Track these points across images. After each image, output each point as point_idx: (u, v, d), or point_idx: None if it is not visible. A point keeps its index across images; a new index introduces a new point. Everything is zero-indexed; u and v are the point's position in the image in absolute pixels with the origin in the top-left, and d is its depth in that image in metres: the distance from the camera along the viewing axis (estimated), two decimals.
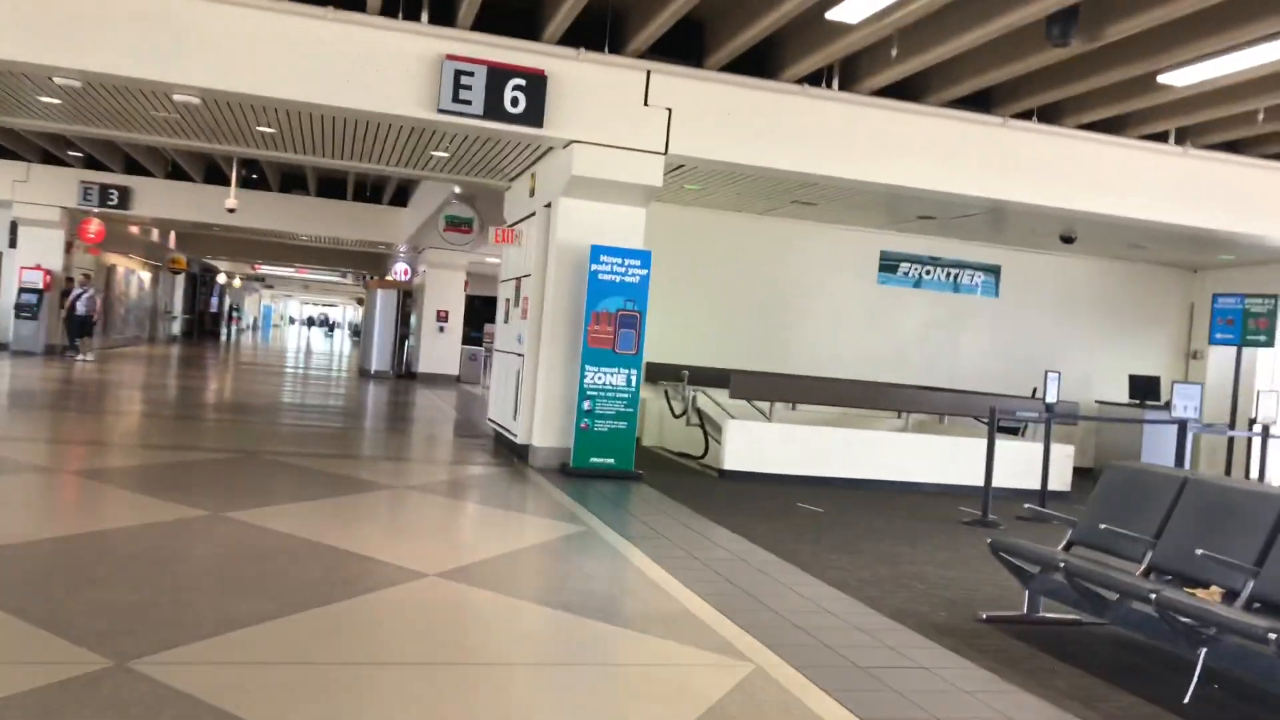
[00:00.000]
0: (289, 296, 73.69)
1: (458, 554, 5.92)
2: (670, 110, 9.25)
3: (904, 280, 13.76)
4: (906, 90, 9.70)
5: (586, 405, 9.39)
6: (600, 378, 9.40)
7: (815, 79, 9.51)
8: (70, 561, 4.94)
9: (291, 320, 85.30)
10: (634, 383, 9.51)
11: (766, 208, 12.50)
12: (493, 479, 9.12)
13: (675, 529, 7.07)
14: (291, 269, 38.88)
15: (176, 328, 35.21)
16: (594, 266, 9.33)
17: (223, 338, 41.41)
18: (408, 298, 23.99)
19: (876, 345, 13.59)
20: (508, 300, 11.17)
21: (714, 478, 10.08)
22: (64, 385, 14.56)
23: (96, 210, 20.74)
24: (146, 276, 30.31)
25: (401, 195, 21.90)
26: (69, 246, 21.42)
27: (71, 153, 19.30)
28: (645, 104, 9.20)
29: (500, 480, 9.08)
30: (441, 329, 22.97)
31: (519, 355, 10.23)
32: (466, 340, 24.48)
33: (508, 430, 10.55)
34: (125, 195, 20.72)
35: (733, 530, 7.17)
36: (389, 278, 26.73)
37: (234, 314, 51.44)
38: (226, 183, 19.03)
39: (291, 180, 21.56)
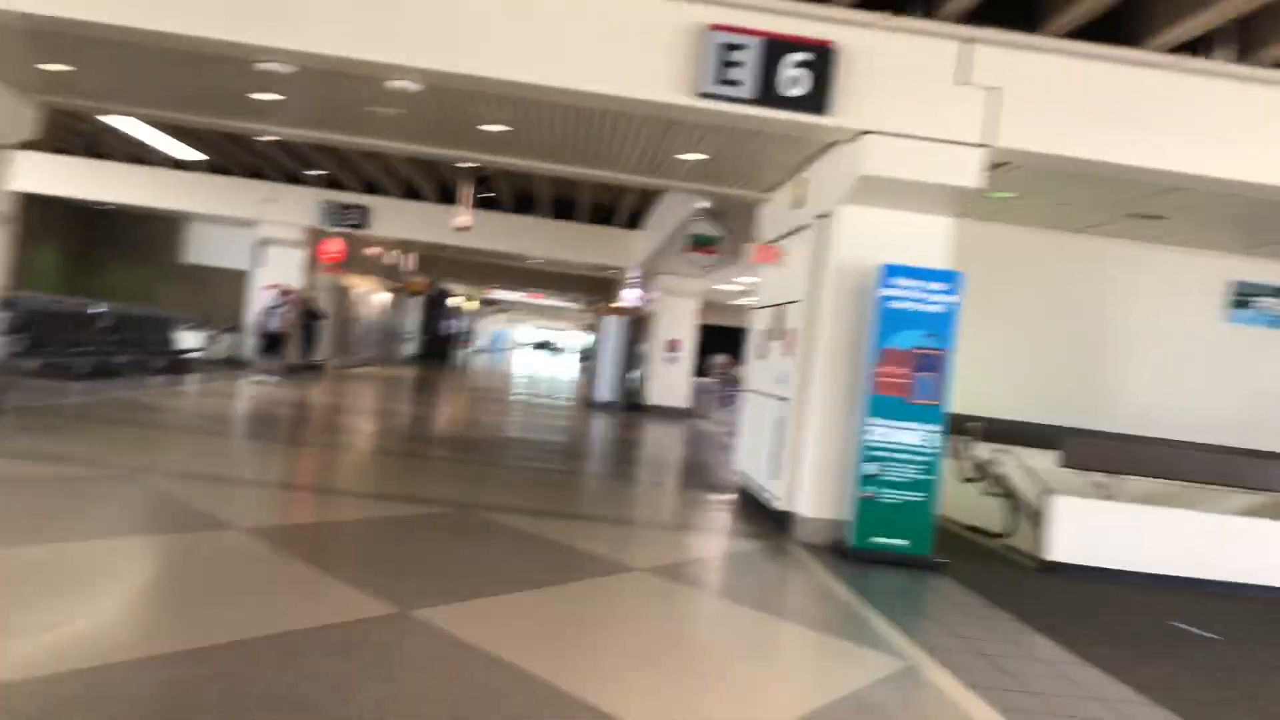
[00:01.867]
0: (520, 321, 75.29)
1: (740, 711, 4.03)
2: (994, 91, 7.09)
3: (1262, 318, 10.79)
4: None
5: (871, 469, 7.32)
6: (890, 434, 7.32)
7: (1196, 47, 7.08)
8: (167, 698, 3.42)
9: (522, 344, 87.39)
10: (934, 443, 7.36)
11: (1089, 224, 10.00)
12: (752, 561, 7.21)
13: (1029, 669, 4.89)
14: (523, 294, 38.85)
15: (411, 349, 35.74)
16: (884, 291, 7.28)
17: (454, 361, 41.96)
18: (637, 326, 22.66)
19: (1223, 400, 10.70)
20: (765, 332, 9.29)
21: (1032, 569, 7.74)
22: (273, 409, 13.91)
23: (335, 229, 20.65)
24: (385, 298, 30.67)
25: (635, 218, 20.60)
26: (310, 265, 21.46)
27: (312, 171, 19.19)
28: (960, 83, 7.09)
29: (762, 563, 7.15)
30: (672, 359, 21.45)
31: (781, 399, 8.31)
32: (698, 372, 22.90)
33: (763, 490, 8.63)
34: (363, 214, 20.50)
35: (1110, 673, 4.91)
36: (618, 304, 25.56)
37: (467, 337, 52.56)
38: (460, 202, 18.27)
39: (524, 201, 20.72)
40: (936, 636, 5.35)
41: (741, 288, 23.92)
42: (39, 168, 19.94)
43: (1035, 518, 9.09)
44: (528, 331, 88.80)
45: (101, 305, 19.37)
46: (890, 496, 7.33)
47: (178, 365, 17.94)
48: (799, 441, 7.94)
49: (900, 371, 7.30)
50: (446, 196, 20.23)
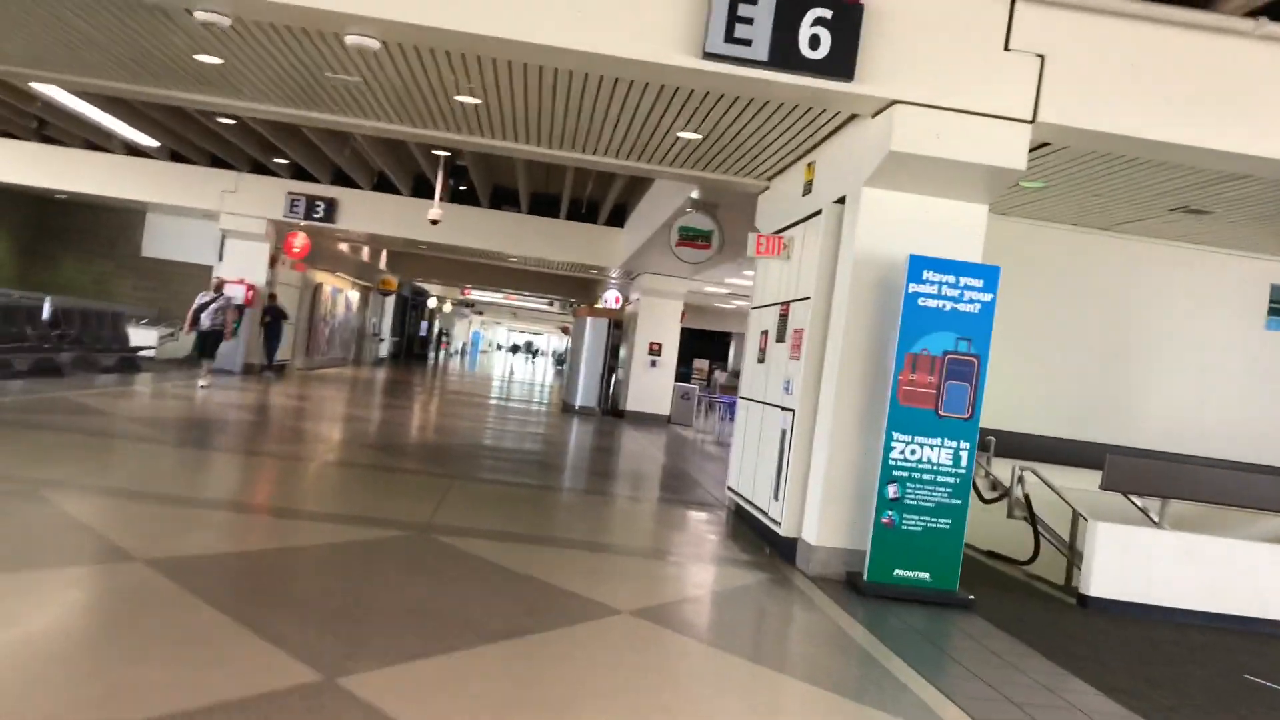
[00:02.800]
0: (497, 323, 74.16)
1: None
2: (1043, 58, 6.15)
3: None
4: None
5: (892, 491, 6.36)
6: (915, 451, 6.36)
7: (1276, 11, 6.18)
8: None
9: (499, 347, 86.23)
10: (965, 462, 6.41)
11: (1122, 220, 9.10)
12: (754, 598, 6.21)
13: None
14: (500, 294, 37.78)
15: (384, 350, 34.57)
16: (913, 287, 6.33)
17: (429, 362, 40.77)
18: (618, 328, 21.69)
19: (1261, 412, 9.83)
20: (765, 333, 8.32)
21: (1072, 606, 6.79)
22: (223, 414, 12.82)
23: (303, 223, 19.55)
24: (355, 296, 29.53)
25: (618, 215, 19.63)
26: (273, 261, 20.34)
27: (278, 160, 18.09)
28: (1006, 47, 6.15)
29: (765, 601, 6.16)
30: (654, 363, 20.49)
31: (784, 410, 7.34)
32: (678, 377, 21.98)
33: (762, 513, 7.64)
34: (331, 207, 19.41)
35: None
36: (597, 305, 24.58)
37: (443, 338, 51.38)
38: (433, 195, 17.24)
39: (502, 196, 19.70)
40: (970, 690, 4.39)
41: (728, 289, 23.00)
42: None
43: (1066, 545, 8.18)
44: (505, 334, 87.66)
45: (44, 299, 18.21)
46: (913, 523, 6.37)
47: (129, 364, 16.79)
48: (806, 458, 6.97)
49: (928, 380, 6.34)
50: (420, 190, 19.19)
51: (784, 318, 7.73)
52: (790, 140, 7.74)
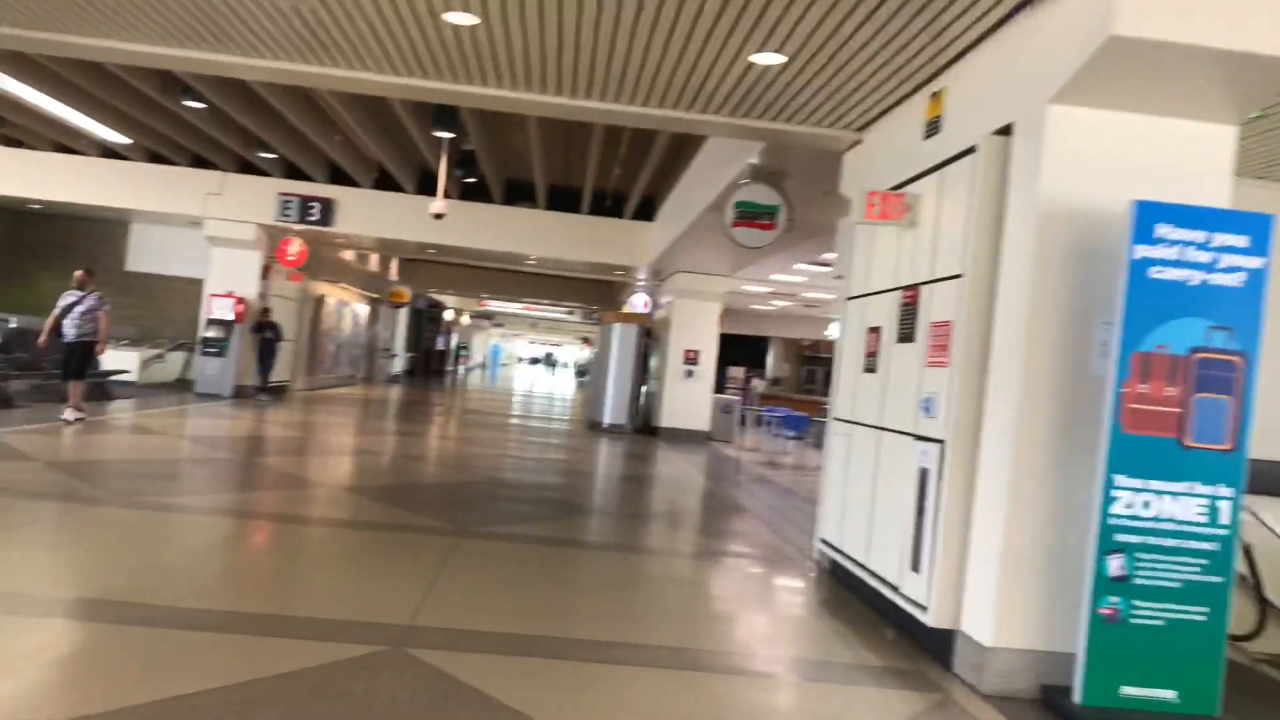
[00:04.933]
0: (517, 335, 72.23)
1: None
2: None
3: None
4: None
5: (1115, 566, 4.13)
6: (1149, 503, 4.13)
7: None
8: None
9: (520, 359, 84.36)
10: (1226, 518, 4.18)
11: None
12: None
13: None
14: (518, 304, 35.76)
15: (397, 366, 32.53)
16: (1141, 251, 4.11)
17: (446, 379, 38.71)
18: (648, 335, 19.52)
19: None
20: (874, 331, 6.09)
21: None
22: (190, 447, 10.73)
23: (297, 227, 17.51)
24: (363, 309, 27.50)
25: (646, 210, 17.48)
26: (265, 270, 18.31)
27: (265, 154, 16.06)
28: None
29: None
30: (690, 373, 18.28)
31: (922, 440, 5.11)
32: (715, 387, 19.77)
33: (888, 585, 5.41)
34: (328, 208, 17.38)
35: None
36: (625, 310, 22.43)
37: (461, 353, 49.36)
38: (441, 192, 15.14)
39: (517, 191, 17.60)
40: None
41: (769, 288, 20.79)
42: None
43: None
44: (524, 346, 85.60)
45: (9, 319, 16.25)
46: (1148, 614, 4.14)
47: (100, 391, 14.76)
48: (966, 512, 4.75)
49: (1167, 392, 4.12)
50: (426, 187, 17.12)
51: (909, 308, 5.50)
52: (918, 51, 5.52)
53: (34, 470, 7.84)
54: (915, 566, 5.02)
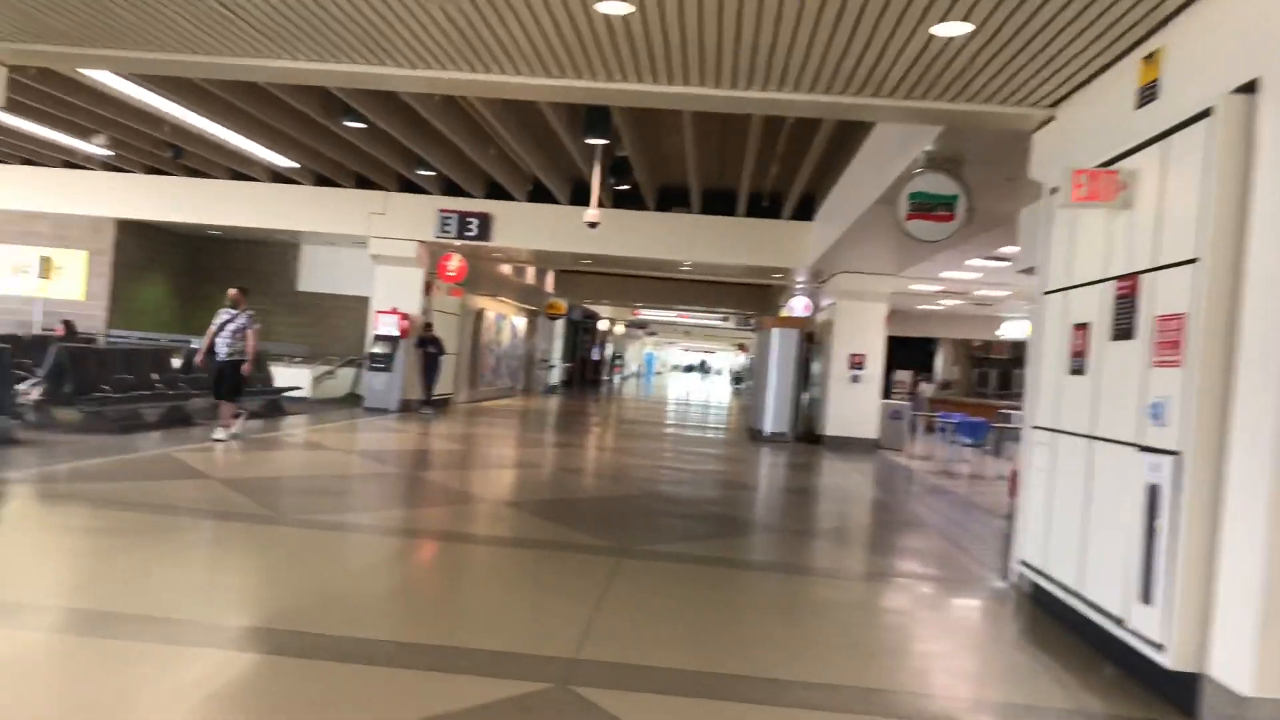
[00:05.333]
0: (670, 343, 72.31)
1: None
2: None
3: None
4: None
5: None
6: None
7: None
8: None
9: (673, 367, 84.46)
10: None
11: None
12: None
13: None
14: (672, 312, 35.59)
15: (555, 377, 32.85)
16: None
17: (602, 389, 38.90)
18: (809, 340, 18.85)
19: None
20: (1081, 328, 5.39)
21: None
22: (354, 463, 10.83)
23: (456, 242, 17.75)
24: (521, 322, 27.84)
25: (805, 208, 16.86)
26: (427, 286, 18.65)
27: (425, 172, 16.31)
28: None
29: None
30: (856, 378, 17.51)
31: (1151, 452, 4.41)
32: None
33: (1109, 616, 4.71)
34: (485, 223, 17.53)
35: None
36: (784, 314, 21.79)
37: (616, 362, 49.67)
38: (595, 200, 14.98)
39: (670, 196, 17.30)
40: None
41: (939, 286, 19.77)
42: (131, 190, 17.95)
43: None
44: (677, 354, 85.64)
45: (189, 342, 17.05)
46: None
47: (274, 407, 15.29)
48: (1209, 535, 4.05)
49: None
50: (579, 197, 17.02)
51: (1127, 300, 4.80)
52: (1130, 8, 4.83)
53: (206, 487, 7.98)
54: (1146, 598, 4.34)
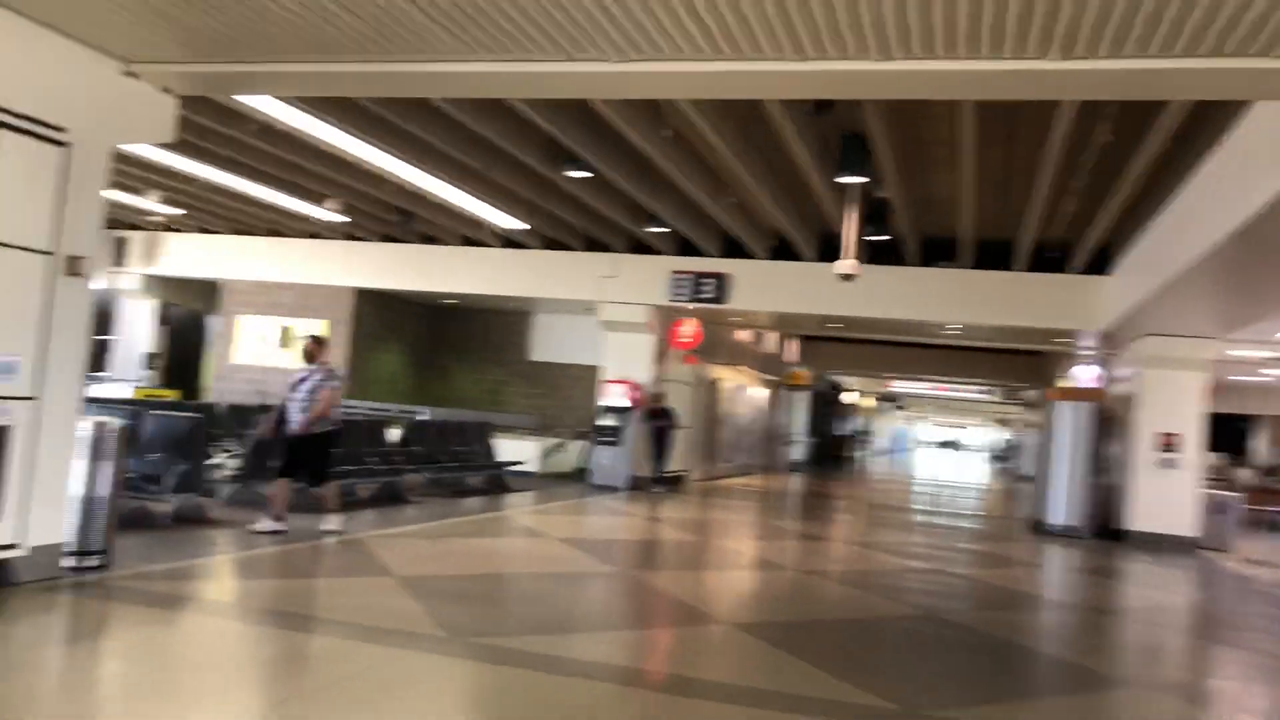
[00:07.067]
0: (920, 418, 68.02)
1: None
2: None
3: None
4: None
5: None
6: None
7: None
8: None
9: (924, 443, 79.56)
10: None
11: None
12: None
13: None
14: (926, 384, 32.65)
15: (797, 453, 30.62)
16: None
17: (850, 466, 36.17)
18: (1104, 416, 15.81)
19: None
20: None
21: None
22: (564, 553, 9.26)
23: (690, 305, 16.26)
24: (761, 393, 25.98)
25: (1099, 262, 14.12)
26: (660, 355, 17.23)
27: (656, 229, 14.95)
28: None
29: None
30: (1168, 462, 14.36)
31: None
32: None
33: None
34: (722, 284, 15.93)
35: None
36: (1073, 385, 18.77)
37: (863, 437, 46.65)
38: (844, 250, 13.01)
39: (935, 250, 15.04)
40: None
41: (1270, 352, 16.18)
42: (368, 259, 17.77)
43: None
44: (929, 429, 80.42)
45: (419, 412, 16.40)
46: None
47: (497, 484, 14.19)
48: None
49: None
50: (828, 253, 15.08)
51: None
52: None
53: (380, 592, 6.58)
54: None
